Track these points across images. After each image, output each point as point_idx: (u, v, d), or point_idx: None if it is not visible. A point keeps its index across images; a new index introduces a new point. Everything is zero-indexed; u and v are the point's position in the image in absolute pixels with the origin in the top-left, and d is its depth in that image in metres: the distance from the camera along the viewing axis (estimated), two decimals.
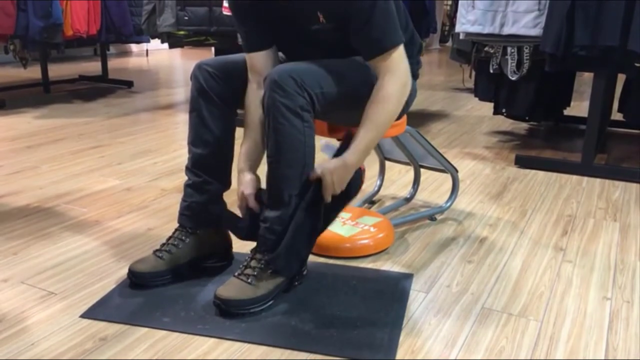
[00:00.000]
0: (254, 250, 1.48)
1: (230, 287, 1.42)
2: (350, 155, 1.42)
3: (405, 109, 1.68)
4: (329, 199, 1.43)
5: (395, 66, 1.43)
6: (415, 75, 1.68)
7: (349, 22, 1.42)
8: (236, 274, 1.46)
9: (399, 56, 1.44)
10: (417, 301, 1.50)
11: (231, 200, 1.59)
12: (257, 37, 1.54)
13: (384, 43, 1.41)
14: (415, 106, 4.15)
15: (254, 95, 1.53)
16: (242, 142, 1.53)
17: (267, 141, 1.41)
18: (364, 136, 1.42)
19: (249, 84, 1.56)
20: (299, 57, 1.51)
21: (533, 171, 2.63)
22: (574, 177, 2.55)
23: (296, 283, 1.54)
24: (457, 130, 3.43)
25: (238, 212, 1.54)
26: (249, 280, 1.43)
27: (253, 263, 1.45)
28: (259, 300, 1.42)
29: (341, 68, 1.47)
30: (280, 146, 1.38)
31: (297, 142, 1.38)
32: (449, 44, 4.83)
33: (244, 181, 1.49)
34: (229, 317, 1.40)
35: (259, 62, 1.54)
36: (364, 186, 2.38)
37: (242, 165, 1.51)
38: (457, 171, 2.08)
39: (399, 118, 1.68)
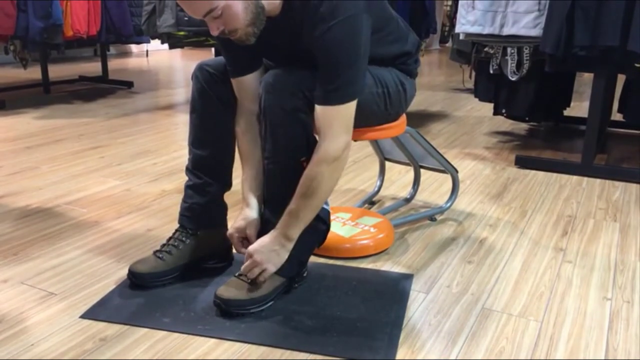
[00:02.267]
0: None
1: (231, 288, 1.42)
2: (279, 227, 1.39)
3: (403, 108, 1.68)
4: (251, 276, 1.41)
5: (341, 122, 1.32)
6: (413, 74, 1.68)
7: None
8: (237, 274, 1.46)
9: (349, 113, 1.33)
10: (417, 301, 1.50)
11: (232, 201, 1.58)
12: (247, 61, 1.46)
13: (337, 97, 1.31)
14: (415, 107, 4.15)
15: (245, 125, 1.51)
16: (242, 173, 1.53)
17: (264, 143, 1.41)
18: (297, 201, 1.36)
19: (239, 112, 1.51)
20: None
21: (533, 171, 2.63)
22: (574, 178, 2.55)
23: (296, 285, 1.54)
24: (457, 130, 3.43)
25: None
26: (249, 281, 1.43)
27: None
28: (259, 301, 1.42)
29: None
30: (277, 148, 1.38)
31: (292, 144, 1.37)
32: (449, 44, 4.83)
33: (248, 218, 1.48)
34: (229, 317, 1.40)
35: (250, 84, 1.46)
36: (364, 186, 2.40)
37: (246, 198, 1.50)
38: (457, 171, 2.08)
39: (395, 119, 1.68)
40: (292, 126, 1.36)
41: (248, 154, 1.51)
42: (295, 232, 1.40)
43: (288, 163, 1.39)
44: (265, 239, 1.41)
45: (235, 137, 1.56)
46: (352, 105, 1.33)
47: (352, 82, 1.32)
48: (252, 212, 1.49)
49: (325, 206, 1.50)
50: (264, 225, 1.46)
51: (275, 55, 1.50)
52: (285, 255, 1.41)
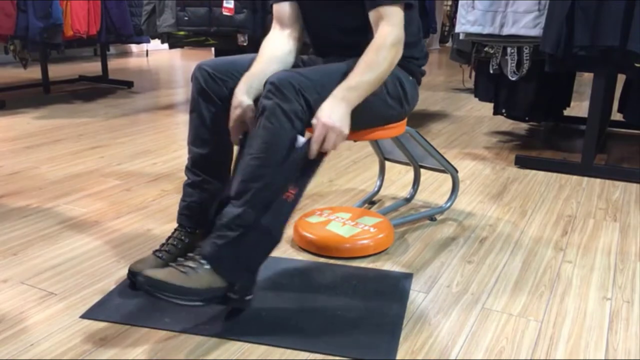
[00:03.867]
0: (201, 243, 1.38)
1: (163, 271, 1.31)
2: (338, 90, 1.39)
3: (406, 112, 1.69)
4: (327, 147, 1.36)
5: (394, 20, 1.46)
6: (416, 76, 1.69)
7: None
8: (175, 263, 1.35)
9: (399, 15, 1.47)
10: (417, 301, 1.50)
11: None
12: None
13: None
14: (415, 106, 4.15)
15: (275, 37, 1.61)
16: (248, 69, 1.53)
17: (252, 140, 1.38)
18: (355, 76, 1.42)
19: (271, 30, 1.63)
20: (317, 28, 1.64)
21: (533, 171, 2.63)
22: (574, 178, 2.55)
23: (234, 296, 1.35)
24: (457, 130, 3.43)
25: None
26: (184, 270, 1.31)
27: (197, 257, 1.34)
28: (185, 292, 1.28)
29: (341, 75, 1.46)
30: (265, 145, 1.35)
31: (282, 145, 1.35)
32: (449, 44, 4.83)
33: (243, 105, 1.47)
34: (229, 317, 1.39)
35: (285, 12, 1.62)
36: (364, 186, 2.40)
37: (240, 87, 1.49)
38: (457, 171, 2.08)
39: (398, 120, 1.68)
40: (286, 128, 1.35)
41: (262, 55, 1.56)
42: (349, 95, 1.40)
43: (270, 163, 1.35)
44: (323, 105, 1.38)
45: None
46: (397, 9, 1.47)
47: None
48: (246, 98, 1.47)
49: (281, 219, 1.39)
50: (220, 216, 1.37)
51: (306, 11, 1.61)
52: (348, 111, 1.39)
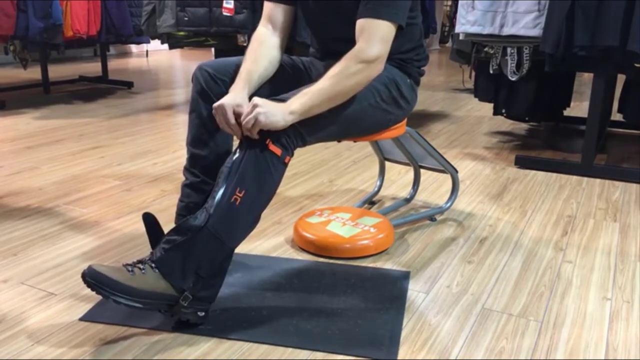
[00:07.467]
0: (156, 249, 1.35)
1: (109, 266, 1.29)
2: (294, 98, 1.37)
3: (405, 113, 1.69)
4: (246, 124, 1.32)
5: (377, 35, 1.43)
6: (417, 82, 1.70)
7: None
8: (124, 263, 1.33)
9: (385, 30, 1.44)
10: (417, 301, 1.50)
11: None
12: None
13: (381, 11, 1.43)
14: (415, 106, 4.15)
15: (263, 35, 1.59)
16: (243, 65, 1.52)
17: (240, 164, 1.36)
18: (314, 86, 1.39)
19: (263, 27, 1.61)
20: (317, 32, 1.64)
21: (533, 171, 2.63)
22: (574, 178, 2.55)
23: (185, 305, 1.31)
24: (457, 130, 3.43)
25: None
26: (131, 270, 1.29)
27: (148, 261, 1.32)
28: (125, 291, 1.25)
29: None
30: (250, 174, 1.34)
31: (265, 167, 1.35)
32: (449, 44, 4.83)
33: (245, 98, 1.43)
34: (230, 316, 1.39)
35: (276, 14, 1.61)
36: (364, 186, 2.40)
37: (241, 80, 1.48)
38: (457, 172, 2.08)
39: (397, 122, 1.68)
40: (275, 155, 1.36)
41: (252, 53, 1.55)
42: (297, 107, 1.35)
43: (258, 181, 1.34)
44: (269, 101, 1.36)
45: (232, 136, 1.57)
46: (386, 24, 1.44)
47: (387, 4, 1.45)
48: (245, 94, 1.45)
49: (232, 224, 1.34)
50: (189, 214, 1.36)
51: (307, 9, 1.61)
52: (282, 123, 1.33)
